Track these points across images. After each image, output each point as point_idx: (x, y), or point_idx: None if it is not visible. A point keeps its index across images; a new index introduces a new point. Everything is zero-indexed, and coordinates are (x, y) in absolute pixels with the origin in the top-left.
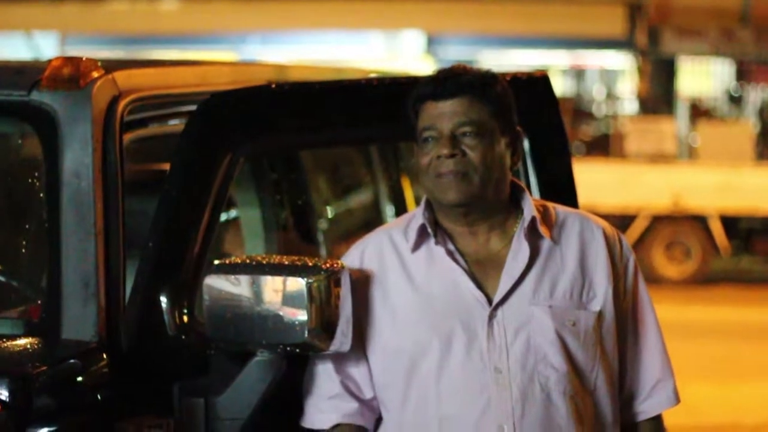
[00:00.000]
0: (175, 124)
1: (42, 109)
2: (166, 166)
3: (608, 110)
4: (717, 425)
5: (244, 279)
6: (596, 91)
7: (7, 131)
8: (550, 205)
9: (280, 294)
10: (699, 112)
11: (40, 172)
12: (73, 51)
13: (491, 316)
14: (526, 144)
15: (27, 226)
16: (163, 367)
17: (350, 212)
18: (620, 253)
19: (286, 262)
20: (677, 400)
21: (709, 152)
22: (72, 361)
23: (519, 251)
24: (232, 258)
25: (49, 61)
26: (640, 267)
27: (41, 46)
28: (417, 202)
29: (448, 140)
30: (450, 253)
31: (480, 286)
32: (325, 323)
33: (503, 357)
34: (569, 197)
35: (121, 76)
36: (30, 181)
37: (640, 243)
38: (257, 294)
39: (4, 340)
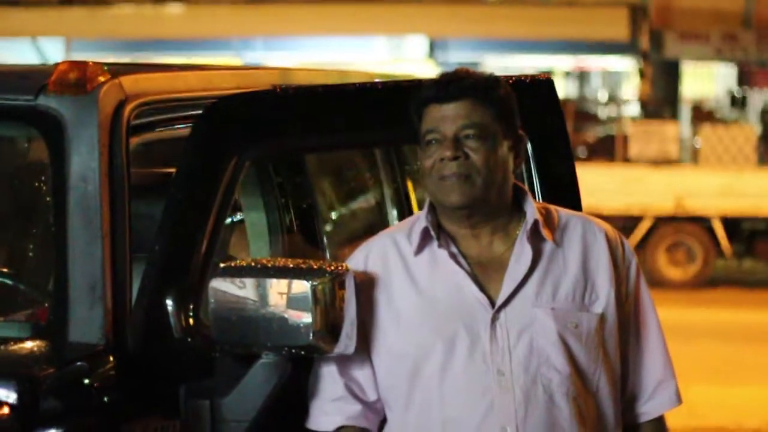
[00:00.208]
0: (181, 129)
1: (49, 114)
2: (172, 170)
3: (611, 113)
4: (719, 427)
5: (250, 282)
6: (599, 94)
7: (14, 136)
8: (553, 207)
9: (285, 297)
10: (702, 115)
11: (46, 176)
12: (79, 56)
13: (494, 319)
14: (529, 147)
15: (34, 230)
16: (169, 370)
17: (354, 215)
18: (622, 256)
19: (291, 265)
20: (679, 401)
21: (711, 155)
22: (79, 363)
23: (521, 254)
24: (238, 261)
25: (56, 65)
26: (642, 269)
27: (47, 51)
28: (421, 206)
29: (451, 143)
30: (453, 256)
31: (483, 289)
32: (329, 326)
33: (506, 359)
34: (572, 200)
35: (128, 81)
36: (37, 185)
37: (643, 245)
38: (262, 297)
39: (12, 342)
